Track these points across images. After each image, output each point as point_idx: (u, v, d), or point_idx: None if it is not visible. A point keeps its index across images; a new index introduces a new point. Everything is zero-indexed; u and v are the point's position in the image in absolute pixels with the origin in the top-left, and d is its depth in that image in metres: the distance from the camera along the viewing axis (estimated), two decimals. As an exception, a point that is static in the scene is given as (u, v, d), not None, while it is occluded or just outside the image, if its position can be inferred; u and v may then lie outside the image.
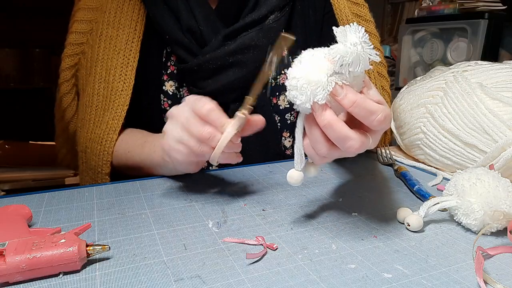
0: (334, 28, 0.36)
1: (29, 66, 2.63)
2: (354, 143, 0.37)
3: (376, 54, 0.36)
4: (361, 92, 0.39)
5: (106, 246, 0.36)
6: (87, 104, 0.65)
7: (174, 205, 0.49)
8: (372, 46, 0.37)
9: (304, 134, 0.41)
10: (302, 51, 0.38)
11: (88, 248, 0.35)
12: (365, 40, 0.36)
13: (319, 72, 0.36)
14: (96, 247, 0.36)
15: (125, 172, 0.66)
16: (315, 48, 0.38)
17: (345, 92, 0.36)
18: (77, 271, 0.35)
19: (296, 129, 0.41)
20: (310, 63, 0.37)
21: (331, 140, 0.38)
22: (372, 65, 0.73)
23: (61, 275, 0.34)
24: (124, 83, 0.64)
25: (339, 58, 0.35)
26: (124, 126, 0.66)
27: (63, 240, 0.35)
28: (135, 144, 0.62)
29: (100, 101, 0.64)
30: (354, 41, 0.35)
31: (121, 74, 0.64)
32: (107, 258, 0.37)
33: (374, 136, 0.39)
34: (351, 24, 0.36)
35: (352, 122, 0.39)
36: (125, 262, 0.36)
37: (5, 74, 2.58)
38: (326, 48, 0.37)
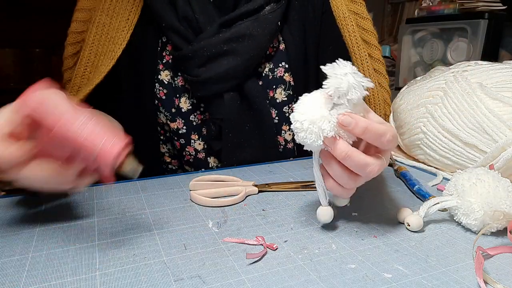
0: (321, 67, 0.38)
1: (29, 66, 2.63)
2: (373, 167, 0.39)
3: (369, 80, 0.38)
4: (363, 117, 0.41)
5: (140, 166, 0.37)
6: (71, 87, 0.66)
7: (174, 205, 0.49)
8: (362, 75, 0.38)
9: (322, 170, 0.42)
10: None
11: (127, 157, 0.36)
12: (354, 71, 0.38)
13: (319, 109, 0.38)
14: (131, 160, 0.37)
15: None
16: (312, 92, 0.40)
17: (355, 121, 0.38)
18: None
19: (314, 168, 0.42)
20: (308, 104, 0.39)
21: (351, 170, 0.39)
22: (368, 62, 0.73)
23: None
24: (104, 67, 0.64)
25: (334, 90, 0.37)
26: (114, 116, 0.66)
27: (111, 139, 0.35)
28: None
29: (83, 83, 0.65)
30: (343, 71, 0.37)
31: (107, 60, 0.64)
32: (107, 258, 0.37)
33: (385, 156, 0.41)
34: (337, 60, 0.38)
35: (358, 146, 0.41)
36: (125, 262, 0.36)
37: (5, 74, 2.59)
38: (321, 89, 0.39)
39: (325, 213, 0.42)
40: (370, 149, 0.41)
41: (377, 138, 0.38)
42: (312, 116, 0.38)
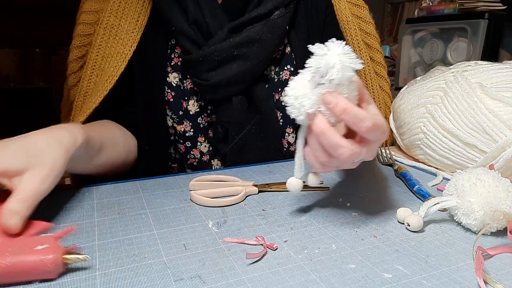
0: (309, 46, 0.39)
1: (29, 66, 2.63)
2: (344, 150, 0.39)
3: (361, 62, 0.38)
4: (359, 105, 0.41)
5: (86, 256, 0.34)
6: (78, 92, 0.65)
7: (174, 205, 0.49)
8: (355, 56, 0.38)
9: (305, 144, 0.43)
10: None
11: (64, 257, 0.33)
12: (346, 51, 0.38)
13: (303, 86, 0.40)
14: (73, 255, 0.34)
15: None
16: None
17: (336, 101, 0.39)
18: (53, 279, 0.33)
19: (297, 140, 0.44)
20: (298, 80, 0.41)
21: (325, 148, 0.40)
22: (369, 64, 0.73)
23: (37, 283, 0.33)
24: (113, 69, 0.63)
25: (314, 70, 0.39)
26: (121, 117, 0.67)
27: (40, 247, 0.33)
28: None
29: (90, 87, 0.64)
30: (325, 52, 0.38)
31: (115, 62, 0.64)
32: (107, 258, 0.37)
33: (368, 147, 0.41)
34: (331, 40, 0.39)
35: (352, 135, 0.42)
36: (125, 262, 0.36)
37: (5, 74, 2.59)
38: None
39: (295, 183, 0.45)
40: (359, 140, 0.42)
41: (355, 122, 0.39)
42: (296, 93, 0.40)
